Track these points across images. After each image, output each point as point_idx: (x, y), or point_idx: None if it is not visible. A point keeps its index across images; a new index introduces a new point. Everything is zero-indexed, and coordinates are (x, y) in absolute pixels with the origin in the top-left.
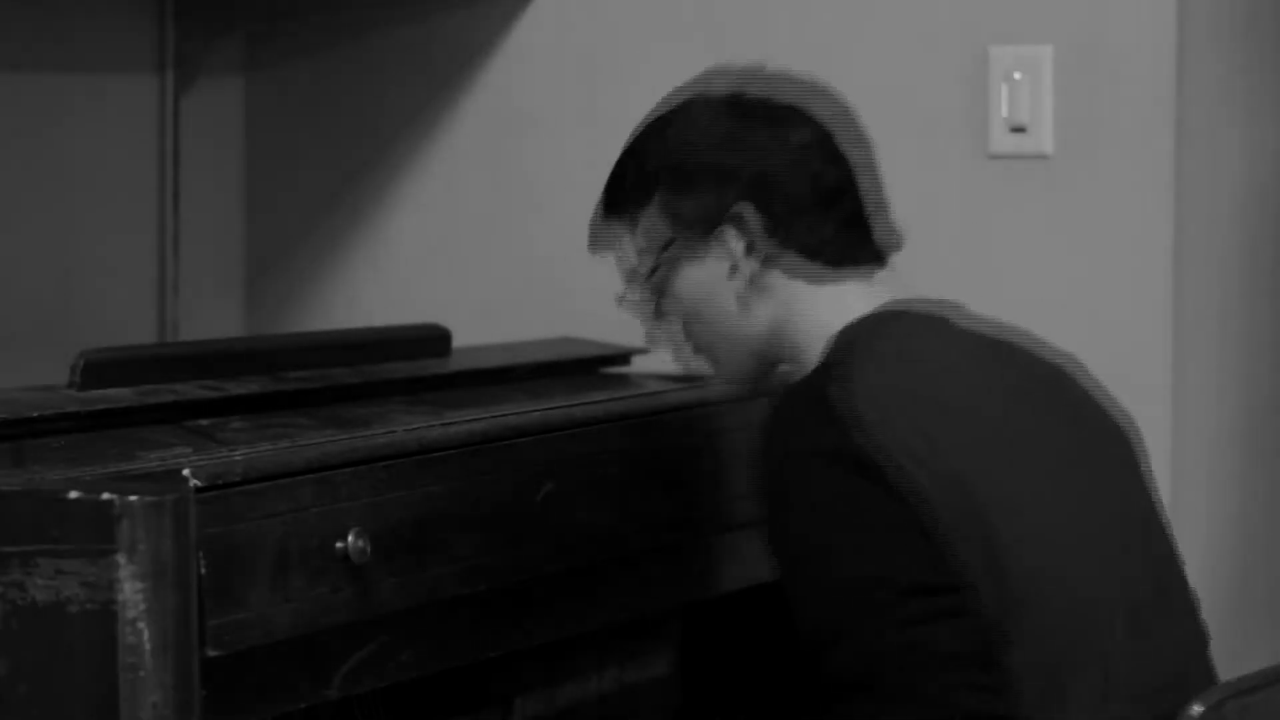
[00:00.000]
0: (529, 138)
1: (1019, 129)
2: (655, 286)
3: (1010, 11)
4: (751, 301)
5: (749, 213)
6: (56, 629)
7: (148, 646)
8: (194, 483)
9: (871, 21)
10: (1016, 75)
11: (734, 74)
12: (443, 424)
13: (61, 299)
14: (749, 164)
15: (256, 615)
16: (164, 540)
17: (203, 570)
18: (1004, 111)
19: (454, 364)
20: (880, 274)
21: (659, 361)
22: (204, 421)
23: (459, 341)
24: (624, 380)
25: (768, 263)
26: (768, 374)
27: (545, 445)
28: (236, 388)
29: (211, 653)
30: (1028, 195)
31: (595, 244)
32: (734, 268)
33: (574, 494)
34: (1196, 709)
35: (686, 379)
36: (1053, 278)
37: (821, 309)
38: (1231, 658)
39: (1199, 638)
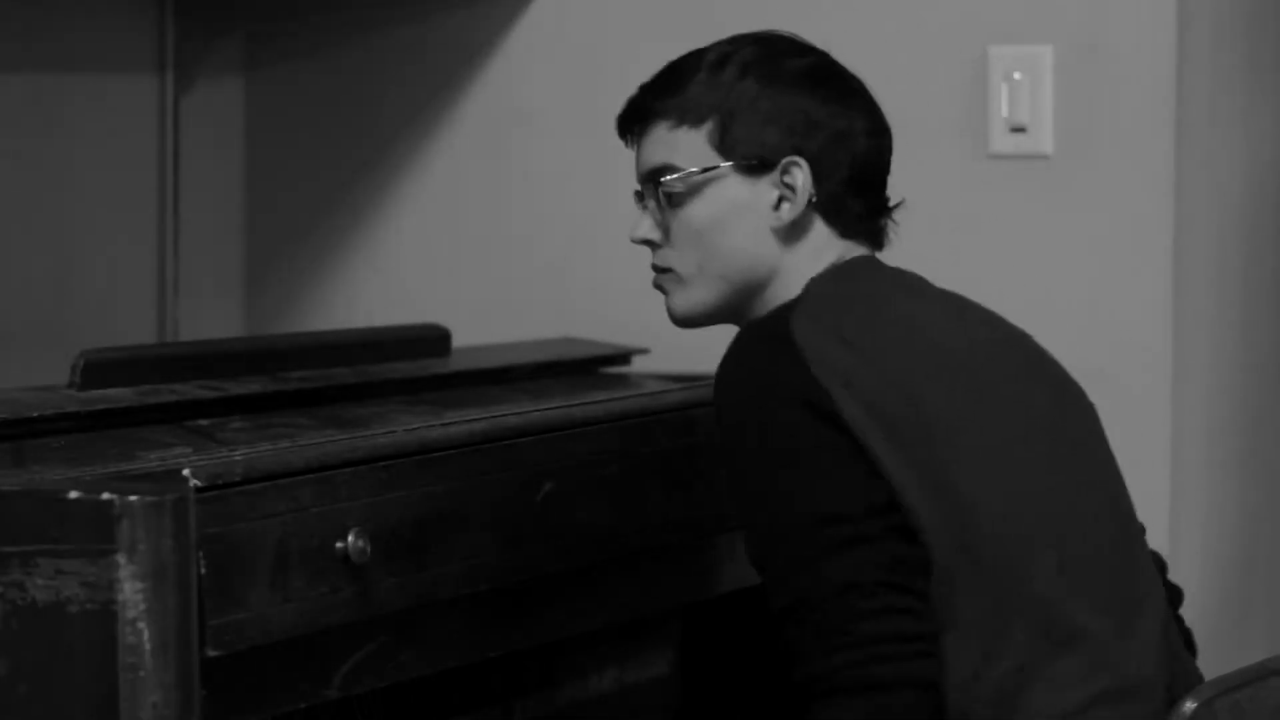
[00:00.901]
0: (529, 137)
1: (1019, 129)
2: (673, 194)
3: (1010, 11)
4: (776, 238)
5: (805, 165)
6: (56, 629)
7: (148, 646)
8: (194, 483)
9: (872, 21)
10: (1016, 75)
11: (811, 45)
12: (443, 424)
13: (61, 299)
14: (825, 123)
15: (256, 615)
16: (164, 540)
17: (203, 570)
18: (1004, 111)
19: (454, 364)
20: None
21: (659, 361)
22: (204, 421)
23: (459, 341)
24: (624, 380)
25: (812, 209)
26: (724, 312)
27: (545, 445)
28: (236, 388)
29: (211, 653)
30: (1028, 195)
31: (631, 120)
32: (782, 201)
33: (574, 494)
34: (1188, 706)
35: (686, 379)
36: (1052, 278)
37: (816, 269)
38: (1227, 654)
39: (1159, 595)
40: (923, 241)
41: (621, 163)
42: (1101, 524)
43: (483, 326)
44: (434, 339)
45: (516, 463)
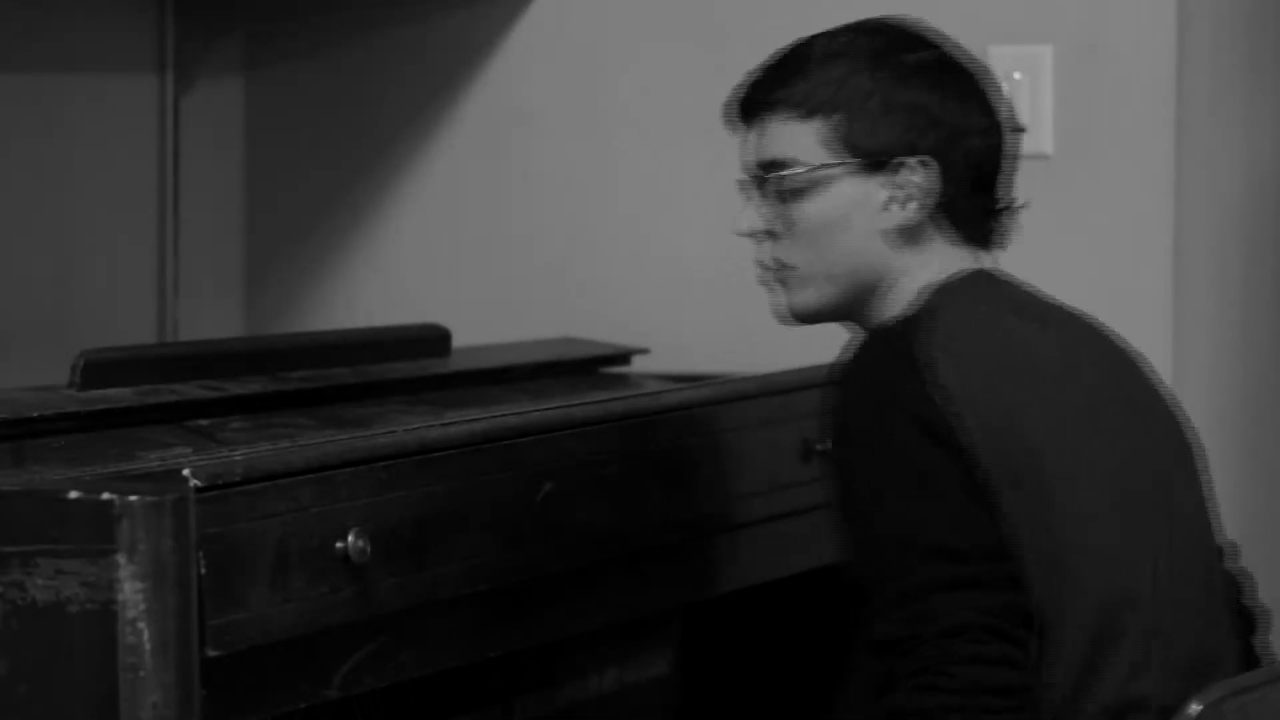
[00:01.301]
0: (529, 137)
1: (1019, 129)
2: (786, 190)
3: (1010, 11)
4: (885, 240)
5: (929, 162)
6: (56, 629)
7: (148, 646)
8: (194, 483)
9: None
10: (1016, 75)
11: (932, 34)
12: (443, 424)
13: (61, 299)
14: (943, 121)
15: (256, 615)
16: (164, 540)
17: (203, 570)
18: None
19: (454, 364)
20: (984, 260)
21: (659, 361)
22: (204, 421)
23: (459, 341)
24: (624, 380)
25: (925, 210)
26: (834, 312)
27: (545, 445)
28: (236, 388)
29: (211, 653)
30: (1027, 195)
31: (744, 108)
32: (892, 202)
33: (574, 494)
34: (1194, 708)
35: (686, 379)
36: (1052, 277)
37: (930, 272)
38: None
39: (1234, 657)
40: None
41: (621, 163)
42: (1193, 586)
43: (483, 326)
44: (434, 339)
45: (516, 463)
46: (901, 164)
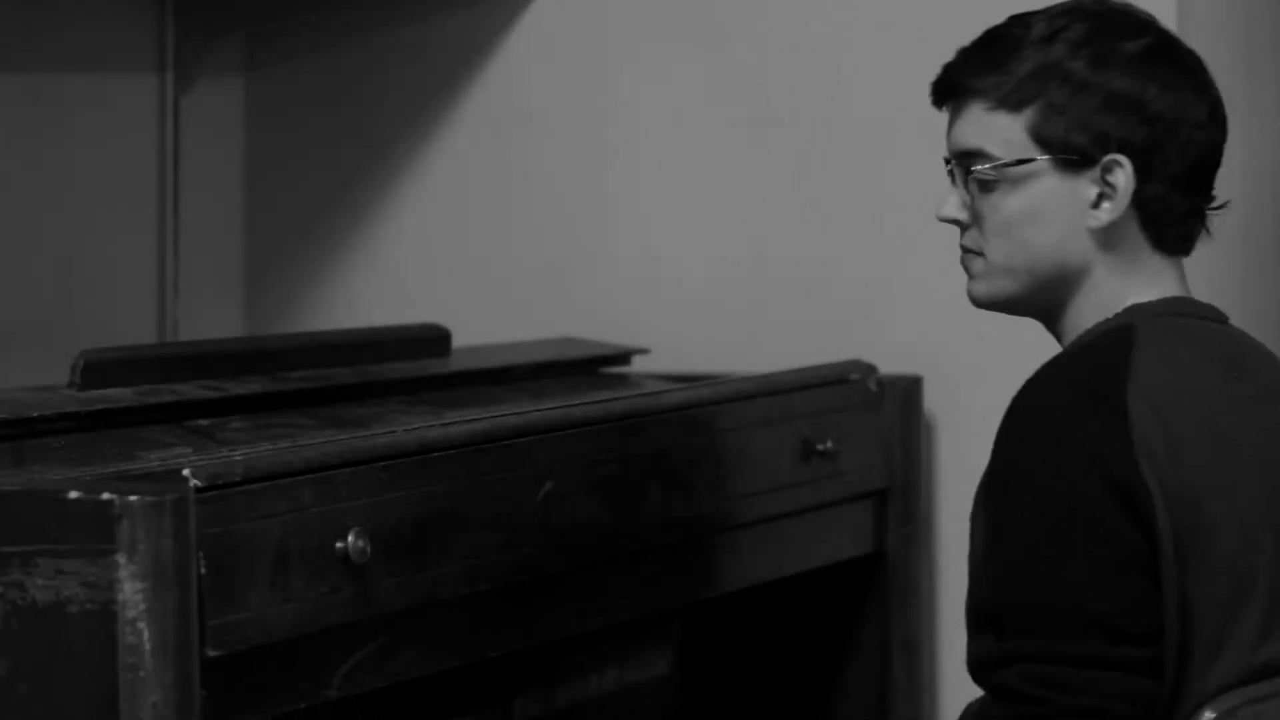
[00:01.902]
0: (529, 137)
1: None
2: (984, 180)
3: (1010, 11)
4: (1092, 239)
5: (1129, 163)
6: (56, 629)
7: (148, 646)
8: (194, 483)
9: (870, 21)
10: None
11: (1148, 18)
12: (443, 424)
13: (62, 299)
14: (1157, 115)
15: (256, 615)
16: (164, 540)
17: (203, 570)
18: None
19: (454, 364)
20: (1178, 266)
21: (659, 361)
22: (204, 421)
23: (459, 341)
24: (624, 380)
25: (1132, 210)
26: (1026, 306)
27: (545, 445)
28: (236, 388)
29: (212, 653)
30: None
31: (945, 92)
32: (1102, 199)
33: (574, 494)
34: (1209, 715)
35: (686, 379)
36: None
37: (1128, 278)
38: None
39: None
40: (924, 240)
41: (621, 163)
42: None
43: (483, 326)
44: (434, 339)
45: (516, 463)
46: (1114, 162)
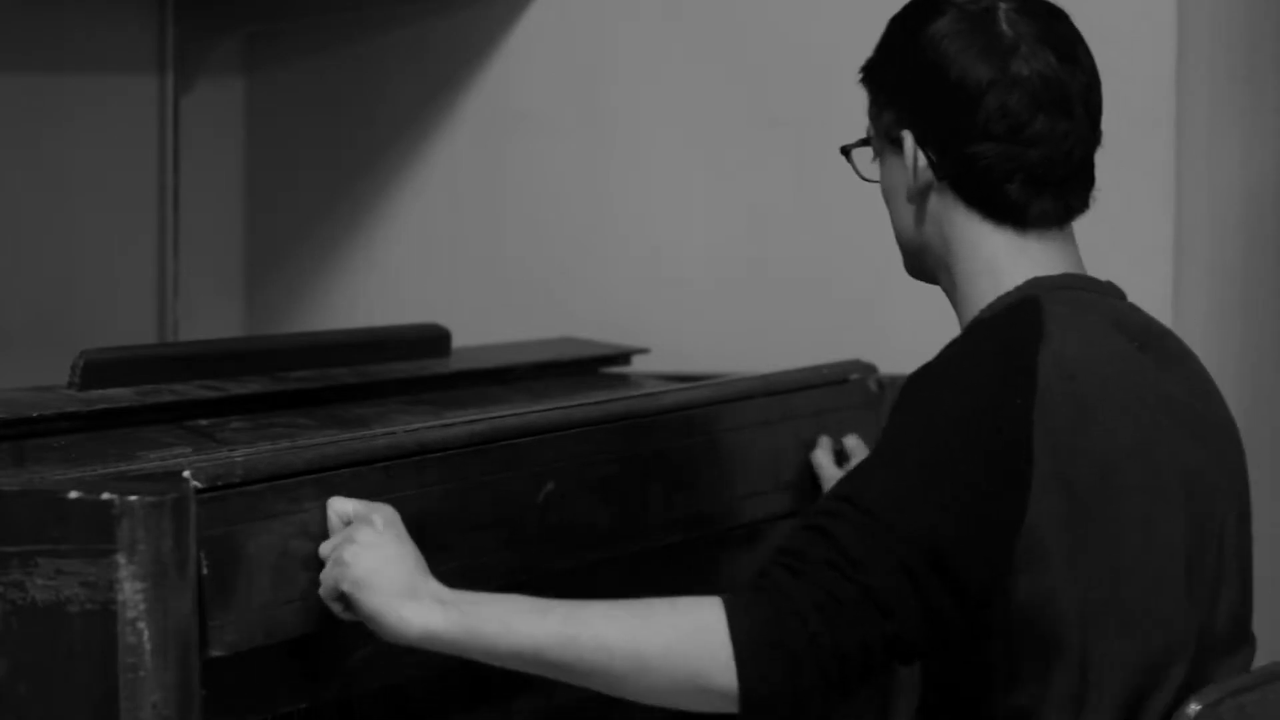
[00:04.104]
0: (528, 138)
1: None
2: (865, 161)
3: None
4: (922, 213)
5: (920, 133)
6: (56, 629)
7: (148, 646)
8: (194, 484)
9: (873, 22)
10: None
11: None
12: (442, 425)
13: (62, 299)
14: (952, 86)
15: (258, 616)
16: (164, 540)
17: (205, 571)
18: None
19: (454, 364)
20: (1055, 235)
21: (659, 361)
22: (204, 421)
23: (459, 341)
24: (624, 380)
25: (939, 185)
26: (924, 278)
27: (545, 445)
28: (236, 388)
29: (214, 653)
30: None
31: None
32: (908, 178)
33: (574, 494)
34: (1194, 708)
35: (686, 379)
36: None
37: (990, 251)
38: None
39: None
40: None
41: (621, 163)
42: (1218, 659)
43: (483, 326)
44: (434, 339)
45: (516, 463)
46: (903, 137)
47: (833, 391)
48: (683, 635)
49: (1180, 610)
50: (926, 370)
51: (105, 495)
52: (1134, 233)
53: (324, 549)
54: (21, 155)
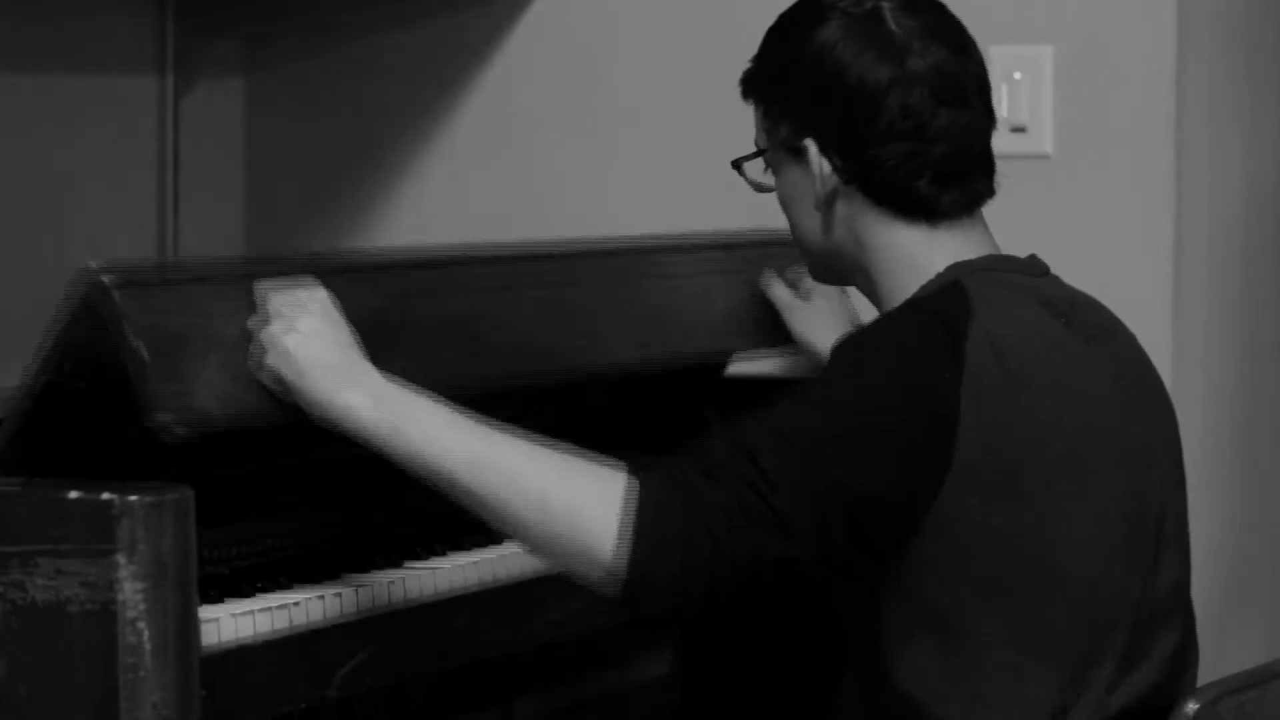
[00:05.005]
0: (529, 138)
1: (1019, 129)
2: (758, 172)
3: (1010, 11)
4: (829, 217)
5: (819, 138)
6: (56, 629)
7: (148, 646)
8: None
9: None
10: (1016, 75)
11: None
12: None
13: (62, 299)
14: (843, 91)
15: (202, 393)
16: (164, 540)
17: (147, 358)
18: (1004, 111)
19: None
20: (967, 222)
21: None
22: None
23: None
24: None
25: (845, 189)
26: (833, 280)
27: (487, 266)
28: None
29: (162, 418)
30: (1028, 195)
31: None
32: (814, 185)
33: (524, 312)
34: (1191, 706)
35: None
36: None
37: (906, 247)
38: (1227, 655)
39: (1190, 658)
40: None
41: (621, 163)
42: (1158, 629)
43: None
44: None
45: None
46: (805, 145)
47: (786, 250)
48: (592, 497)
49: (1116, 579)
50: (861, 334)
51: (105, 495)
52: (1134, 233)
53: (259, 332)
54: (21, 155)
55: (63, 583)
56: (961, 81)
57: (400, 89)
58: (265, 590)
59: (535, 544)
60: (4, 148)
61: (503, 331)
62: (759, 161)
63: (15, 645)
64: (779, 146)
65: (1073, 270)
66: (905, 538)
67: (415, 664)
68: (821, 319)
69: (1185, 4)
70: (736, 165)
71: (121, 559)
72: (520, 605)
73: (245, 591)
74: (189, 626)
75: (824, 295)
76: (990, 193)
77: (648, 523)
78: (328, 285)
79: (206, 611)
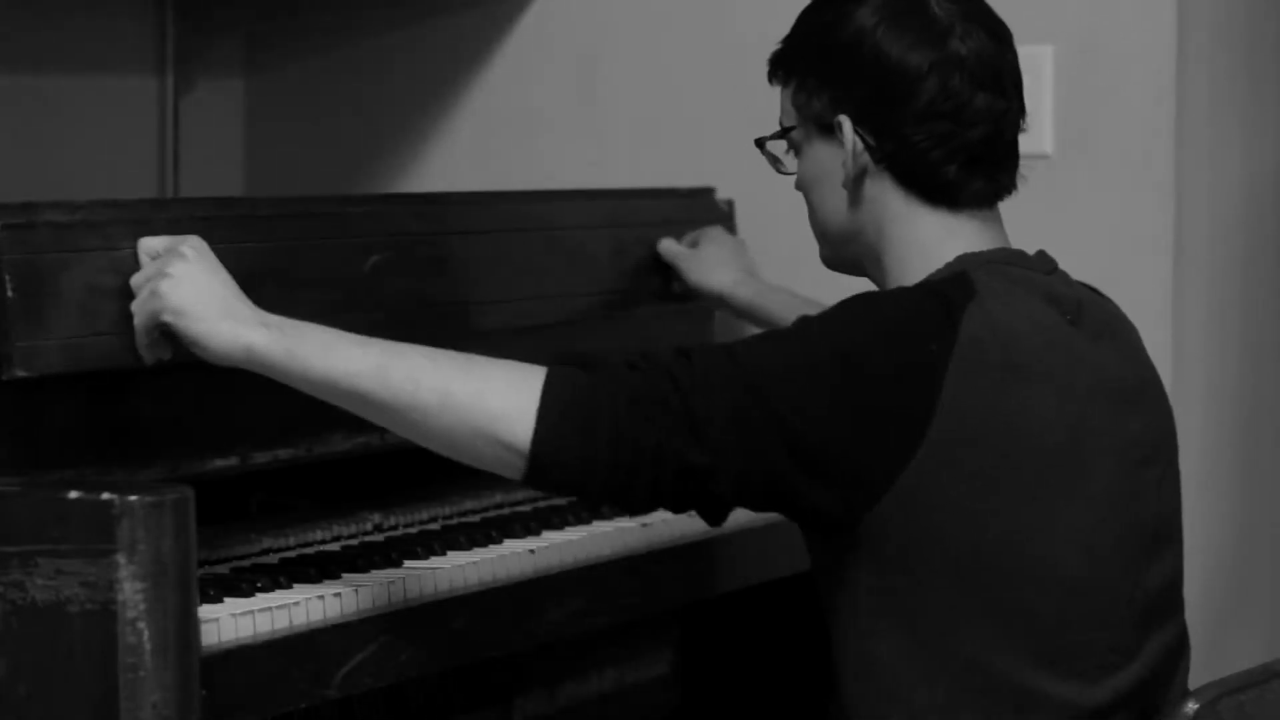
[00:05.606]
0: (529, 138)
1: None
2: (780, 152)
3: (1010, 11)
4: (855, 198)
5: (856, 117)
6: (56, 629)
7: (148, 646)
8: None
9: None
10: None
11: None
12: None
13: None
14: (879, 71)
15: (63, 343)
16: (164, 540)
17: (9, 294)
18: None
19: None
20: (986, 214)
21: None
22: None
23: None
24: None
25: (875, 169)
26: (844, 268)
27: (373, 219)
28: None
29: (18, 373)
30: (1027, 195)
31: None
32: (844, 163)
33: (404, 266)
34: (1191, 706)
35: None
36: None
37: (923, 232)
38: (1226, 654)
39: (1183, 657)
40: None
41: (621, 163)
42: (1151, 626)
43: None
44: None
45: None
46: (839, 123)
47: (683, 202)
48: (495, 386)
49: (1109, 575)
50: (857, 297)
51: (105, 495)
52: (1134, 232)
53: (135, 280)
54: (21, 155)
55: (63, 583)
56: (1000, 69)
57: (400, 89)
58: (265, 590)
59: (441, 440)
60: (4, 148)
61: (388, 282)
62: (781, 142)
63: (15, 645)
64: (809, 122)
65: (1072, 270)
66: (868, 504)
67: (415, 664)
68: (713, 262)
69: (1185, 4)
70: (760, 143)
71: (121, 559)
72: (520, 605)
73: (245, 591)
74: (189, 626)
75: (713, 241)
76: (1013, 186)
77: (553, 405)
78: (212, 234)
79: (206, 611)
